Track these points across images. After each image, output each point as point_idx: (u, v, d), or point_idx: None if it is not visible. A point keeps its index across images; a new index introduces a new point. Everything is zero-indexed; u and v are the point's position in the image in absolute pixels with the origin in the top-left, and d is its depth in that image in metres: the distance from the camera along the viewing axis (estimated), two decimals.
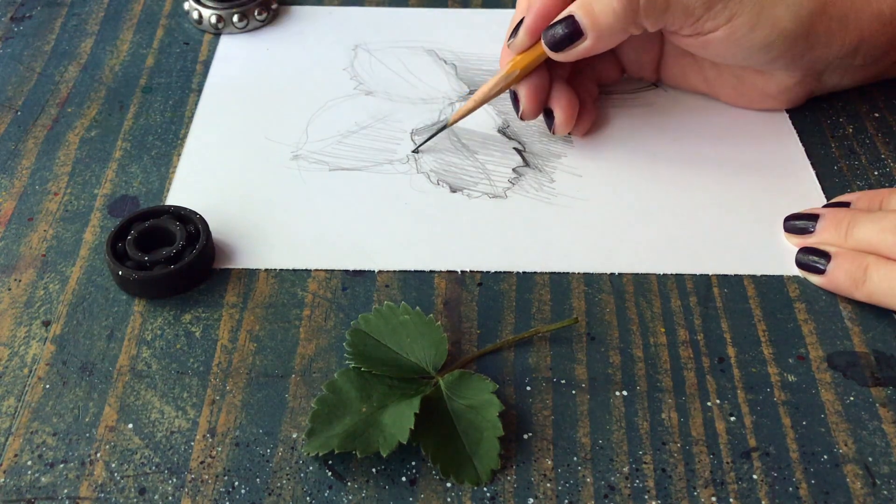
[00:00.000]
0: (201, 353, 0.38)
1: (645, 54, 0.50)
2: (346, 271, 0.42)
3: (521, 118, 0.47)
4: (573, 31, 0.43)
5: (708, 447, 0.35)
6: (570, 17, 0.43)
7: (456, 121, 0.47)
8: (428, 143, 0.48)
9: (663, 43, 0.50)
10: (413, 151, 0.47)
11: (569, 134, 0.49)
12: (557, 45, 0.44)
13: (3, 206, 0.45)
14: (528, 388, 0.37)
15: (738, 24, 0.43)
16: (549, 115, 0.47)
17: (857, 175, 0.47)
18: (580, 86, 0.49)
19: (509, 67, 0.45)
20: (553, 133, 0.48)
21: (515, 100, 0.47)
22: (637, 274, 0.42)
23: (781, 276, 0.42)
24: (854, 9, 0.45)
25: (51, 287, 0.41)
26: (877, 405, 0.37)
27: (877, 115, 0.50)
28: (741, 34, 0.43)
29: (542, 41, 0.44)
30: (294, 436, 0.35)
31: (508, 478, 0.34)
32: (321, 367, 0.38)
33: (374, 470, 0.34)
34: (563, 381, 0.37)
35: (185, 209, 0.43)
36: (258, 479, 0.34)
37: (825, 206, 0.44)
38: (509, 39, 0.46)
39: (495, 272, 0.42)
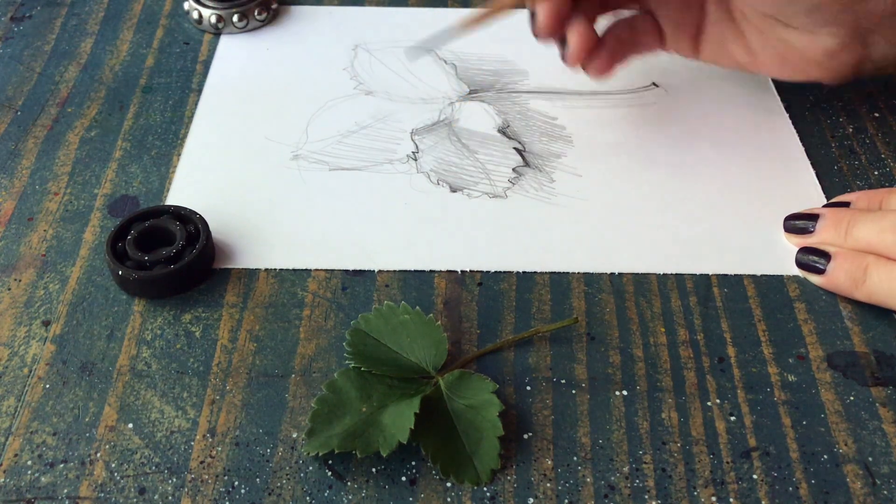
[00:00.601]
0: (201, 353, 0.38)
1: (686, 20, 0.48)
2: (346, 271, 0.42)
3: (535, 34, 0.44)
4: None
5: (708, 447, 0.35)
6: None
7: (467, 26, 0.44)
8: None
9: (705, 13, 0.47)
10: (408, 55, 0.44)
11: (585, 72, 0.46)
12: None
13: (3, 206, 0.45)
14: (528, 388, 0.37)
15: None
16: (563, 45, 0.45)
17: (857, 175, 0.47)
18: (612, 36, 0.47)
19: None
20: (564, 62, 0.45)
21: (533, 18, 0.44)
22: (637, 274, 0.42)
23: (781, 276, 0.42)
24: None
25: (51, 287, 0.41)
26: (877, 405, 0.37)
27: (877, 115, 0.50)
28: None
29: None
30: (294, 436, 0.35)
31: (508, 478, 0.34)
32: (321, 367, 0.38)
33: (374, 470, 0.34)
34: (563, 381, 0.37)
35: (185, 209, 0.43)
36: (258, 479, 0.34)
37: (825, 206, 0.44)
38: None
39: (495, 272, 0.42)
